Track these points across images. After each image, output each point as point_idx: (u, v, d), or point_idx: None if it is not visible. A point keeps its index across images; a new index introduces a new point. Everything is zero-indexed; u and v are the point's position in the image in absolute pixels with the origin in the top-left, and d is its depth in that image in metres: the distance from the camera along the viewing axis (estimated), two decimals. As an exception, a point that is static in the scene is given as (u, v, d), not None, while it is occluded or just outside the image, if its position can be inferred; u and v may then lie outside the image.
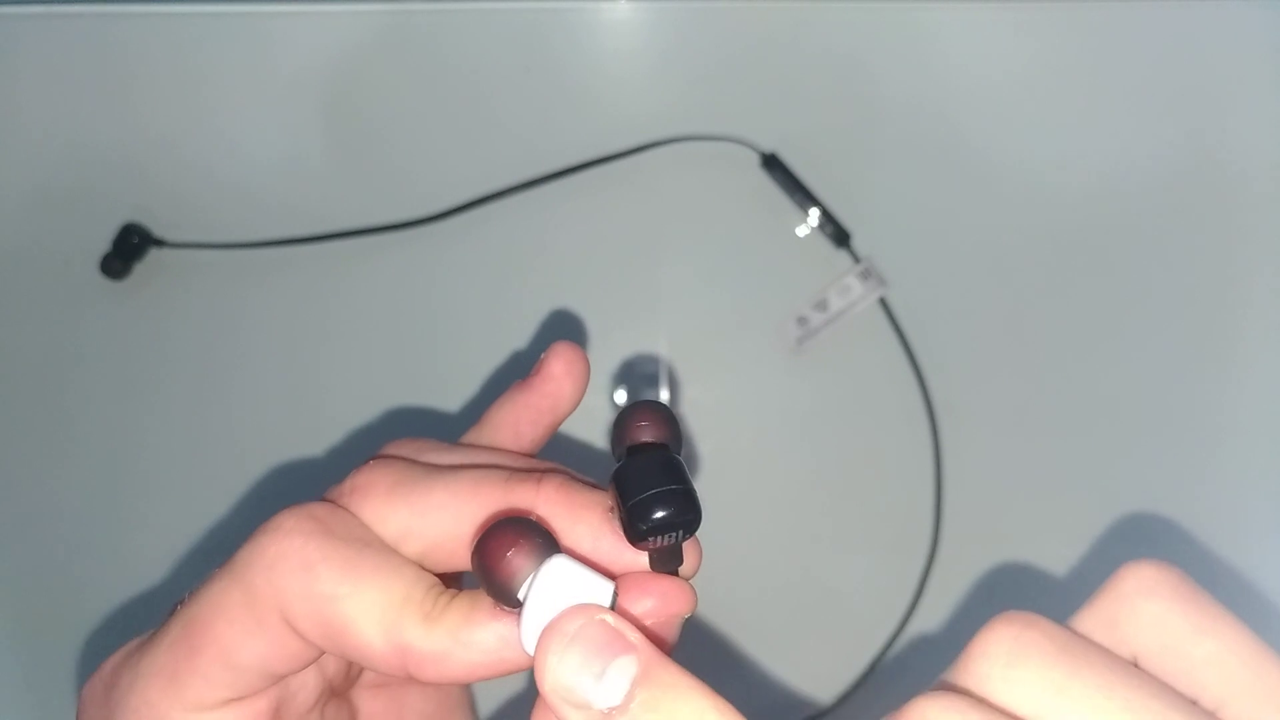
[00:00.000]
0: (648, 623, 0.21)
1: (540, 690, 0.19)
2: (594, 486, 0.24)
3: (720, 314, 0.53)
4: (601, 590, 0.21)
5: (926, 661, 0.52)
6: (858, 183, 0.52)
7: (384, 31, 0.52)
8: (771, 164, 0.51)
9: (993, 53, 0.52)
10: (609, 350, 0.52)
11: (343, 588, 0.22)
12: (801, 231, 0.52)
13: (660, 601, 0.22)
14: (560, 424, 0.28)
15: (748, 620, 0.52)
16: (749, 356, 0.53)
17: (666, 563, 0.22)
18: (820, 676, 0.52)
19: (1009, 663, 0.18)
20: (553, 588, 0.20)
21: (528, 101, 0.52)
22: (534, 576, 0.20)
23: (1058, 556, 0.52)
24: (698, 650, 0.51)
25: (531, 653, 0.20)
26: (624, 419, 0.23)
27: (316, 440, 0.53)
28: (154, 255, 0.52)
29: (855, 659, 0.52)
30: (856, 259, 0.52)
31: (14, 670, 0.53)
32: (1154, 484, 0.52)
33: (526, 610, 0.20)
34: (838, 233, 0.51)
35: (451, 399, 0.53)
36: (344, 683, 0.27)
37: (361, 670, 0.28)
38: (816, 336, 0.52)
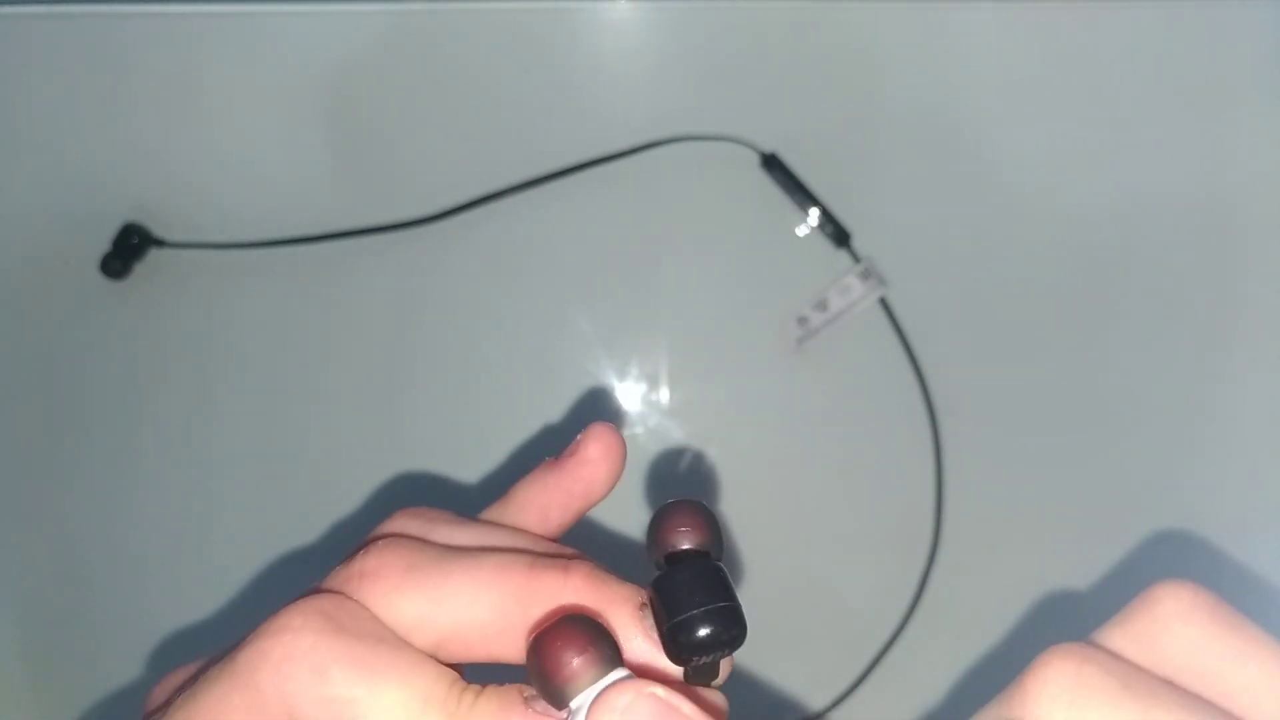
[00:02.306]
0: None
1: None
2: (621, 579, 0.23)
3: (720, 314, 0.53)
4: None
5: (927, 661, 0.52)
6: (858, 183, 0.52)
7: (384, 31, 0.52)
8: (771, 164, 0.51)
9: (993, 53, 0.52)
10: (609, 349, 0.52)
11: (358, 689, 0.21)
12: (801, 231, 0.52)
13: None
14: (591, 508, 0.27)
15: (748, 620, 0.52)
16: (749, 356, 0.53)
17: (703, 675, 0.22)
18: (820, 676, 0.52)
19: (1072, 702, 0.17)
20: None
21: (528, 101, 0.52)
22: (593, 688, 0.19)
23: (1058, 556, 0.52)
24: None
25: None
26: (661, 521, 0.22)
27: (315, 443, 0.53)
28: (154, 255, 0.52)
29: (855, 659, 0.52)
30: (856, 259, 0.52)
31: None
32: (1154, 483, 0.52)
33: None
34: (838, 233, 0.51)
35: (446, 400, 0.53)
36: None
37: None
38: (816, 336, 0.52)
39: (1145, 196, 0.52)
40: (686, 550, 0.22)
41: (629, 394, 0.52)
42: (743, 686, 0.52)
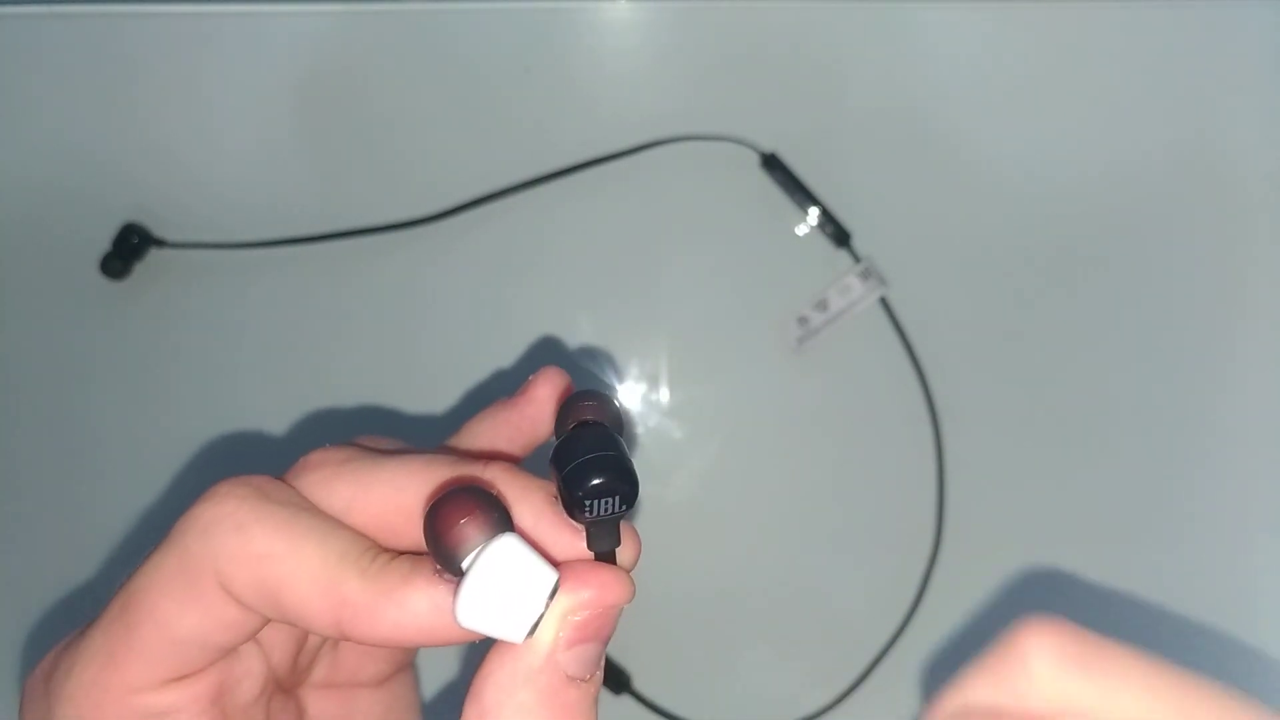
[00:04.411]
0: (586, 613, 0.22)
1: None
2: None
3: (720, 314, 0.53)
4: (545, 577, 0.21)
5: (927, 662, 0.52)
6: (858, 183, 0.52)
7: (383, 31, 0.52)
8: (771, 164, 0.51)
9: (993, 53, 0.52)
10: (609, 349, 0.52)
11: (278, 546, 0.22)
12: (801, 231, 0.52)
13: (599, 592, 0.22)
14: (537, 446, 0.28)
15: (748, 619, 0.52)
16: (749, 356, 0.53)
17: (604, 541, 0.23)
18: (820, 676, 0.52)
19: (1053, 674, 0.18)
20: (497, 565, 0.20)
21: (528, 101, 0.52)
22: (481, 549, 0.20)
23: (1060, 557, 0.52)
24: (697, 649, 0.51)
25: (463, 624, 0.21)
26: (566, 405, 0.24)
27: (315, 443, 0.53)
28: (154, 255, 0.52)
29: (855, 659, 0.52)
30: (856, 259, 0.52)
31: None
32: (1158, 482, 0.52)
33: (466, 582, 0.20)
34: (838, 233, 0.51)
35: (446, 401, 0.53)
36: (290, 677, 0.27)
37: (310, 666, 0.28)
38: (817, 336, 0.52)
39: (1145, 197, 0.52)
40: (587, 420, 0.24)
41: (629, 394, 0.52)
42: (742, 686, 0.52)
